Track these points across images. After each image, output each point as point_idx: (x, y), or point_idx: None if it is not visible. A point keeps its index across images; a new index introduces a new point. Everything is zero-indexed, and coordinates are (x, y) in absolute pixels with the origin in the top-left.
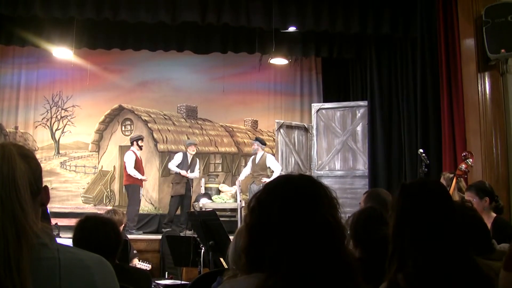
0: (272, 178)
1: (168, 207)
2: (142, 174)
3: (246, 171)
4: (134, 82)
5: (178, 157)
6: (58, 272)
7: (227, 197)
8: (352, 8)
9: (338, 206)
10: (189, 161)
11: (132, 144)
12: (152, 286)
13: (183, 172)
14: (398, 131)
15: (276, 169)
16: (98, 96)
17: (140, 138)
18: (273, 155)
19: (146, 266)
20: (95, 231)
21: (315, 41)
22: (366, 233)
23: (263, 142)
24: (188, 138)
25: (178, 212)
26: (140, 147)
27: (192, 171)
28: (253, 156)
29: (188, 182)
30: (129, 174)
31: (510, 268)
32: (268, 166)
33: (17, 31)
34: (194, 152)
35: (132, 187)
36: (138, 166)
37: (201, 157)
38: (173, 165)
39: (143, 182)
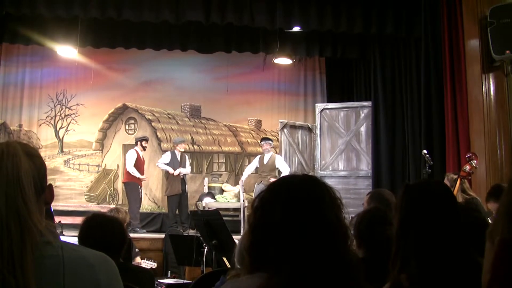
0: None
1: (168, 208)
2: (142, 173)
3: (249, 170)
4: (138, 81)
5: (166, 157)
6: (62, 270)
7: (230, 197)
8: (355, 8)
9: (342, 206)
10: (179, 159)
11: (136, 143)
12: (155, 285)
13: (173, 171)
14: (401, 131)
15: (285, 170)
16: (102, 95)
17: (145, 139)
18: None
19: (151, 264)
20: (101, 229)
21: (319, 41)
22: (370, 233)
23: (272, 140)
24: (192, 137)
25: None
26: (144, 148)
27: (184, 167)
28: (260, 156)
29: (183, 178)
30: (127, 172)
31: None
32: (277, 167)
33: (21, 29)
34: (183, 150)
35: (131, 185)
36: (138, 165)
37: (204, 156)
38: (162, 164)
39: (145, 181)
